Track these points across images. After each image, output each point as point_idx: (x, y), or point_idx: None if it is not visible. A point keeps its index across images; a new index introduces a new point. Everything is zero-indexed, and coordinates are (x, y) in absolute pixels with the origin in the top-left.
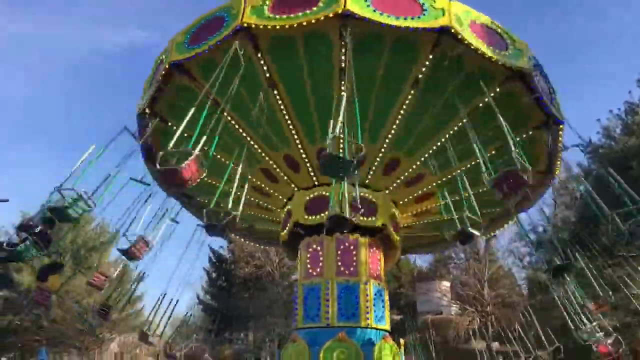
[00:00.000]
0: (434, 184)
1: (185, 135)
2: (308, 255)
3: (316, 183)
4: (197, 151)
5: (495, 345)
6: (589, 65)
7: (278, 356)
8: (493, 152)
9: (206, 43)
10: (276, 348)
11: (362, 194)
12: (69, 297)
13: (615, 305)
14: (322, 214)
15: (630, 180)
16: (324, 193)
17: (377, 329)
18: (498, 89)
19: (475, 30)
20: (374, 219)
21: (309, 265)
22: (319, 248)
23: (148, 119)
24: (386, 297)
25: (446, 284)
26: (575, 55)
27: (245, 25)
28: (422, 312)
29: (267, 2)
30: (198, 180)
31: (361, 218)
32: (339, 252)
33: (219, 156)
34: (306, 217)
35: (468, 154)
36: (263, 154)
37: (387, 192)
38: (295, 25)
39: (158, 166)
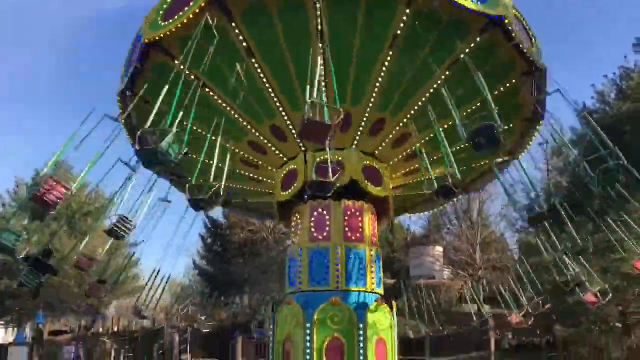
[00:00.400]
0: (420, 143)
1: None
2: (312, 219)
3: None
4: None
5: (487, 307)
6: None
7: (273, 319)
8: (479, 105)
9: (178, 19)
10: (271, 311)
11: (367, 162)
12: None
13: (606, 269)
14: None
15: (624, 145)
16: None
17: (370, 292)
18: (478, 39)
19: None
20: (380, 188)
21: (313, 230)
22: (325, 212)
23: (129, 100)
24: (375, 261)
25: (439, 249)
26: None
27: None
28: (415, 276)
29: None
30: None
31: (370, 186)
32: (346, 218)
33: (202, 131)
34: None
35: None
36: (249, 127)
37: (376, 154)
38: None
39: (137, 145)
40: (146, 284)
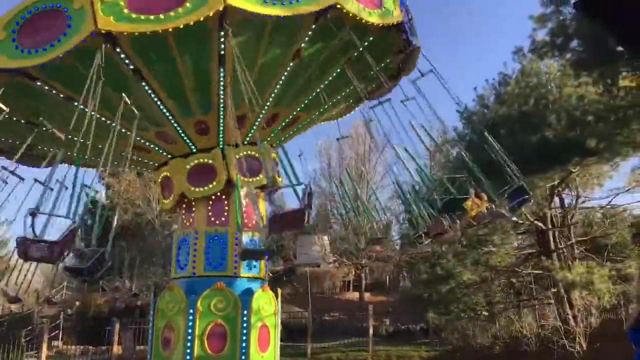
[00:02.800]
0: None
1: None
2: (209, 207)
3: (194, 150)
4: None
5: (367, 295)
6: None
7: (153, 305)
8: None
9: (52, 49)
10: (152, 297)
11: (250, 152)
12: None
13: (477, 261)
14: (208, 186)
15: (499, 146)
16: (206, 161)
17: (254, 278)
18: (371, 38)
19: None
20: (260, 177)
21: (211, 215)
22: (224, 198)
23: None
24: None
25: (326, 239)
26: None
27: (104, 31)
28: (301, 264)
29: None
30: None
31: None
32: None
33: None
34: (192, 188)
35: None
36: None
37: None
38: (169, 29)
39: None
40: (14, 266)
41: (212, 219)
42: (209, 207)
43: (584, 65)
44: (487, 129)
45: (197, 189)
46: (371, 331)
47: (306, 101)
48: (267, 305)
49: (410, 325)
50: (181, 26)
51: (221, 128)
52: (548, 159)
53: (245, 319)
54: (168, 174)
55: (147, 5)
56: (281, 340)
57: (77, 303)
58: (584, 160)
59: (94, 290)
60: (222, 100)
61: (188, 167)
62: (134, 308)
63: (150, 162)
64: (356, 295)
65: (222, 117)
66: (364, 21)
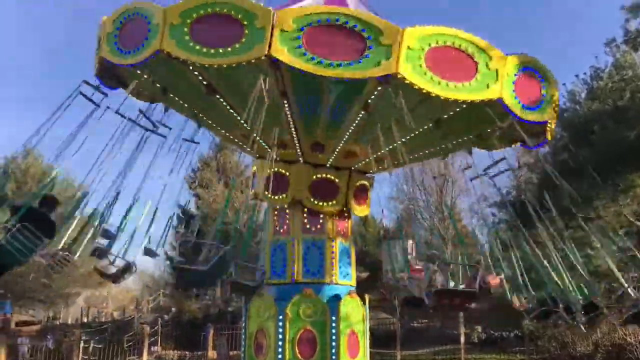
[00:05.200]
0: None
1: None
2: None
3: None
4: None
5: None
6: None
7: (245, 310)
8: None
9: (132, 55)
10: (243, 303)
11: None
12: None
13: (572, 266)
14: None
15: (590, 144)
16: (331, 177)
17: (343, 285)
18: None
19: (431, 62)
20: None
21: (277, 225)
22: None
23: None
24: (352, 255)
25: (410, 243)
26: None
27: (166, 52)
28: (386, 270)
29: (187, 23)
30: None
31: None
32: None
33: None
34: (312, 200)
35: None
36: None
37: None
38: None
39: None
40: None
41: (308, 226)
42: (304, 214)
43: None
44: (579, 126)
45: (317, 202)
46: (462, 338)
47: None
48: (355, 312)
49: (504, 332)
50: (234, 65)
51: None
52: None
53: (334, 325)
54: (284, 172)
55: (208, 37)
56: (370, 347)
57: (173, 309)
58: None
59: (188, 298)
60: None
61: (315, 177)
62: (226, 314)
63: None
64: (445, 300)
65: None
66: (431, 95)
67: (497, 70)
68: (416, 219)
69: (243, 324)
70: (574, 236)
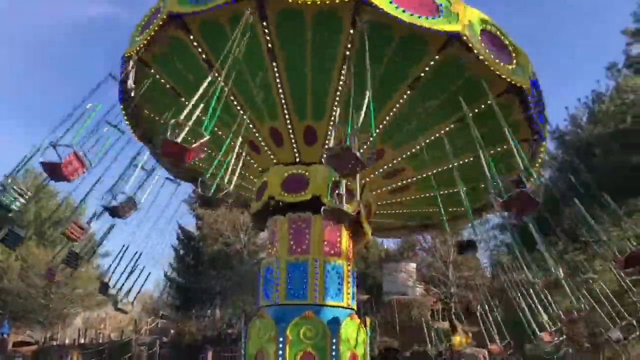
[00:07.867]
0: (412, 179)
1: (168, 86)
2: (291, 232)
3: (297, 160)
4: (206, 137)
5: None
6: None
7: (244, 332)
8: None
9: (212, 1)
10: (242, 325)
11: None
12: (32, 272)
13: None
14: (301, 193)
15: (592, 168)
16: (302, 172)
17: (343, 307)
18: (437, 57)
19: (485, 40)
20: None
21: (292, 242)
22: (304, 225)
23: (132, 63)
24: (350, 277)
25: (412, 265)
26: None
27: None
28: (387, 292)
29: None
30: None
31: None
32: (325, 232)
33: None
34: (282, 193)
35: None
36: (251, 125)
37: (367, 180)
38: (309, 2)
39: (161, 138)
40: (113, 260)
41: (294, 247)
42: (291, 234)
43: None
44: (581, 150)
45: (287, 194)
46: None
47: (413, 150)
48: (355, 334)
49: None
50: (318, 2)
51: (327, 140)
52: None
53: (334, 347)
54: (266, 179)
55: None
56: None
57: (172, 331)
58: None
59: (187, 320)
60: (335, 108)
61: (286, 174)
62: (226, 336)
63: (255, 165)
64: (446, 324)
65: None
66: (486, 63)
67: None
68: (417, 241)
69: (242, 346)
70: (577, 259)
